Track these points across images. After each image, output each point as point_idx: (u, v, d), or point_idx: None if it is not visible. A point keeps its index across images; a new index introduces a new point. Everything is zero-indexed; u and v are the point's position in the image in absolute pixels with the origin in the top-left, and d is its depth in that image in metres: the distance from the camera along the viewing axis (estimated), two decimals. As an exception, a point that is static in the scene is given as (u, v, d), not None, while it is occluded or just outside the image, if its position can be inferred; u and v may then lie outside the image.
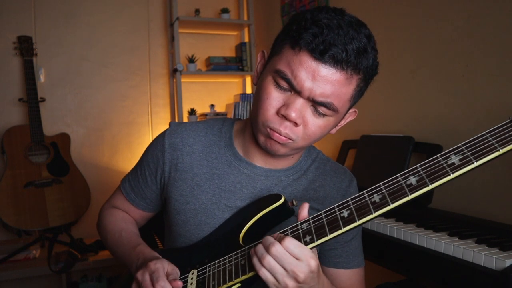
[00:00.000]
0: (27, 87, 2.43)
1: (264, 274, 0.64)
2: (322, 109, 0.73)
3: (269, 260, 0.63)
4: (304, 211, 0.70)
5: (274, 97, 0.73)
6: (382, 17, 1.85)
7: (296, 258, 0.63)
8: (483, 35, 1.39)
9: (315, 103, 0.72)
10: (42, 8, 2.67)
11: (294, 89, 0.71)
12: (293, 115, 0.71)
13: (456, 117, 1.49)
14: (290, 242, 0.63)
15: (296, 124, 0.74)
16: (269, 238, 0.65)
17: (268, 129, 0.76)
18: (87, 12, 2.79)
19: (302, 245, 0.64)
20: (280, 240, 0.64)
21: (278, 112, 0.74)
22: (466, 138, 0.59)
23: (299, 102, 0.72)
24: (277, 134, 0.75)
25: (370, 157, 1.73)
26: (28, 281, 2.29)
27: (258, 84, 0.79)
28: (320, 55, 0.67)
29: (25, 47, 2.48)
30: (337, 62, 0.68)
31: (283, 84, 0.72)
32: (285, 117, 0.73)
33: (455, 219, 1.28)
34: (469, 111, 1.44)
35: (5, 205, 2.27)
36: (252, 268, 0.70)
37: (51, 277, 2.35)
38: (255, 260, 0.65)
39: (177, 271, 0.77)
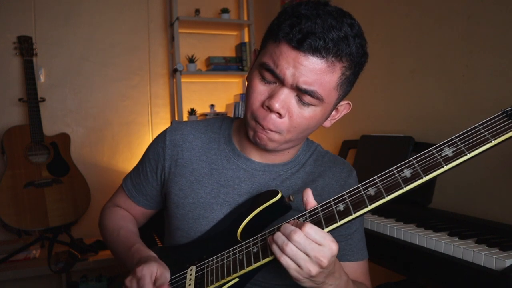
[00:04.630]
0: (27, 87, 2.43)
1: (286, 261, 0.63)
2: (307, 98, 0.73)
3: (291, 247, 0.62)
4: (310, 198, 0.69)
5: (260, 90, 0.75)
6: (382, 17, 1.85)
7: (318, 244, 0.62)
8: (483, 35, 1.39)
9: (299, 92, 0.72)
10: (42, 8, 2.67)
11: (278, 78, 0.72)
12: (276, 105, 0.72)
13: (456, 117, 1.49)
14: (311, 228, 0.62)
15: (280, 116, 0.74)
16: (289, 226, 0.64)
17: (254, 123, 0.77)
18: (87, 12, 2.79)
19: (322, 231, 0.64)
20: (300, 227, 0.63)
21: (263, 104, 0.75)
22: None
23: (283, 92, 0.73)
24: (261, 128, 0.76)
25: (370, 157, 1.73)
26: (28, 281, 2.29)
27: (247, 80, 0.81)
28: (298, 43, 0.68)
29: (25, 47, 2.48)
30: (315, 50, 0.68)
31: (268, 76, 0.73)
32: (269, 108, 0.73)
33: (455, 219, 1.28)
34: (469, 111, 1.44)
35: (5, 205, 2.27)
36: (250, 263, 0.71)
37: (51, 277, 2.35)
38: (275, 248, 0.64)
39: (166, 275, 0.76)
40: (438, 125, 1.56)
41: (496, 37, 1.35)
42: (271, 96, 0.73)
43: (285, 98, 0.73)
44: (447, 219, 1.30)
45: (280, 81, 0.72)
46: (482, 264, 0.97)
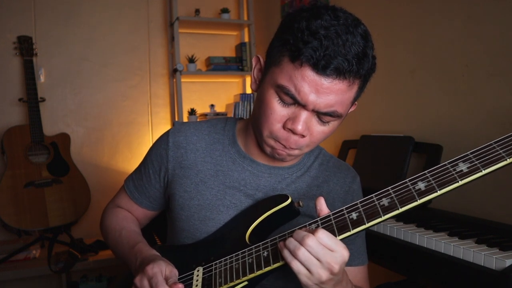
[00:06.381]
0: (27, 87, 2.43)
1: (297, 266, 0.63)
2: (327, 118, 0.74)
3: (303, 251, 0.62)
4: (323, 207, 0.69)
5: (279, 112, 0.74)
6: (382, 17, 1.85)
7: (330, 250, 0.62)
8: (483, 35, 1.39)
9: (319, 114, 0.73)
10: (42, 8, 2.67)
11: (299, 103, 0.71)
12: (299, 128, 0.73)
13: (456, 117, 1.49)
14: (324, 233, 0.62)
15: (302, 136, 0.75)
16: (301, 232, 0.64)
17: (273, 141, 0.78)
18: (87, 12, 2.79)
19: (334, 237, 0.64)
20: (312, 233, 0.63)
21: (284, 126, 0.75)
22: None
23: (304, 115, 0.73)
24: (282, 147, 0.77)
25: (370, 157, 1.73)
26: (28, 281, 2.29)
27: (260, 95, 0.79)
28: (323, 69, 0.67)
29: (25, 47, 2.48)
30: (339, 74, 0.68)
31: (287, 99, 0.72)
32: (292, 131, 0.74)
33: (455, 219, 1.28)
34: (469, 111, 1.44)
35: (5, 205, 2.27)
36: (260, 267, 0.70)
37: (51, 277, 2.35)
38: (286, 253, 0.64)
39: (175, 273, 0.76)
40: (438, 125, 1.56)
41: (496, 37, 1.35)
42: (292, 119, 0.73)
43: (306, 120, 0.73)
44: (447, 219, 1.30)
45: (301, 105, 0.72)
46: (482, 264, 0.97)
